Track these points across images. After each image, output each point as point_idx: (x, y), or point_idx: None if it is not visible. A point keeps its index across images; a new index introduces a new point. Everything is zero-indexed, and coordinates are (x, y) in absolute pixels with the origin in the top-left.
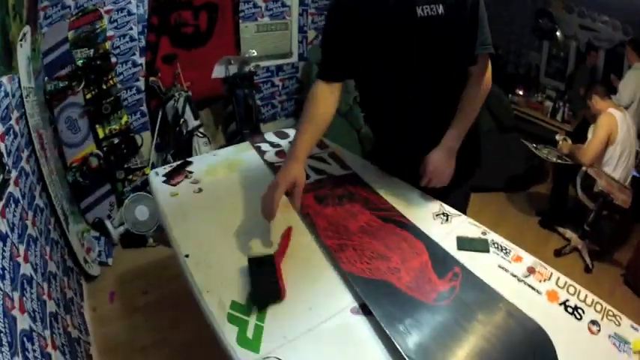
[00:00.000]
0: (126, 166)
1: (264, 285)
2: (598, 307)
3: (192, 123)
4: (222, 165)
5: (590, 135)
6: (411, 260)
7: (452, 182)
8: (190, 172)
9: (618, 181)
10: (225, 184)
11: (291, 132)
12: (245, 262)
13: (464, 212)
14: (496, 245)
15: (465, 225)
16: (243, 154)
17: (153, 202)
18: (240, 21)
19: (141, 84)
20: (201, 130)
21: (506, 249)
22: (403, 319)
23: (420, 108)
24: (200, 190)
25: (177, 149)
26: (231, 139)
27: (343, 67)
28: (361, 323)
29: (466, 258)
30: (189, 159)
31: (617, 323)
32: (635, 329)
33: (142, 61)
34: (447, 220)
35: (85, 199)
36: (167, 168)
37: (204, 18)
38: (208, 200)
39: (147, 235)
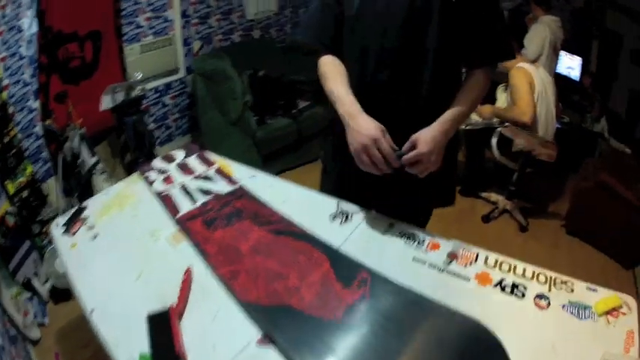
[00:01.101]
0: (39, 218)
1: (161, 350)
2: (541, 278)
3: (90, 161)
4: (113, 203)
5: (499, 95)
6: (311, 274)
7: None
8: (85, 218)
9: (538, 137)
10: (119, 225)
11: (178, 153)
12: (148, 308)
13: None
14: (406, 236)
15: (369, 220)
16: (133, 186)
17: None
18: (125, 44)
19: (39, 129)
20: (98, 166)
21: (418, 238)
22: (312, 345)
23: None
24: (96, 236)
25: (81, 191)
26: (130, 170)
27: (332, 32)
28: (270, 354)
29: (374, 257)
30: (84, 203)
31: (569, 290)
32: (593, 290)
33: (36, 105)
34: (346, 218)
35: (12, 260)
36: (66, 217)
37: (90, 48)
38: (105, 246)
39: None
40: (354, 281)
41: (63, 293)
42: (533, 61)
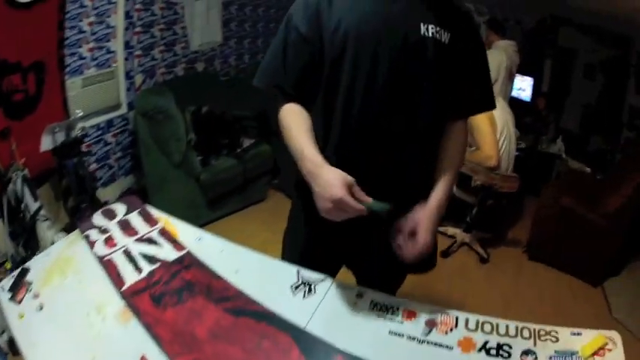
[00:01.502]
0: None
1: None
2: (525, 333)
3: (33, 206)
4: (55, 269)
5: None
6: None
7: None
8: (30, 283)
9: (498, 173)
10: (63, 296)
11: (119, 208)
12: None
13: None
14: (378, 306)
15: (335, 291)
16: (74, 247)
17: None
18: (67, 77)
19: None
20: (42, 212)
21: (391, 307)
22: None
23: (386, 147)
24: (41, 306)
25: (27, 238)
26: (73, 214)
27: (301, 79)
28: None
29: (347, 336)
30: (26, 265)
31: (553, 339)
32: (577, 334)
33: None
34: (309, 290)
35: None
36: (10, 279)
37: (33, 80)
38: (52, 320)
39: None
40: None
41: None
42: None
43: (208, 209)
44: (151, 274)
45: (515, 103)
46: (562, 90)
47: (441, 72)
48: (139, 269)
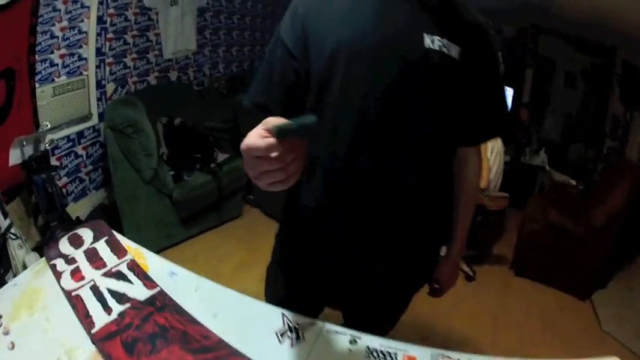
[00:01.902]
0: None
1: None
2: None
3: (3, 224)
4: (23, 301)
5: None
6: None
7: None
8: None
9: (488, 194)
10: (33, 335)
11: (86, 234)
12: None
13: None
14: (375, 353)
15: (325, 337)
16: (41, 279)
17: None
18: (37, 85)
19: None
20: (12, 230)
21: (389, 353)
22: None
23: (388, 186)
24: (13, 345)
25: None
26: (44, 234)
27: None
28: None
29: None
30: None
31: None
32: None
33: None
34: (297, 337)
35: None
36: None
37: (3, 89)
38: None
39: None
40: None
41: None
42: None
43: (181, 227)
44: (122, 315)
45: None
46: (543, 99)
47: (450, 92)
48: (108, 308)
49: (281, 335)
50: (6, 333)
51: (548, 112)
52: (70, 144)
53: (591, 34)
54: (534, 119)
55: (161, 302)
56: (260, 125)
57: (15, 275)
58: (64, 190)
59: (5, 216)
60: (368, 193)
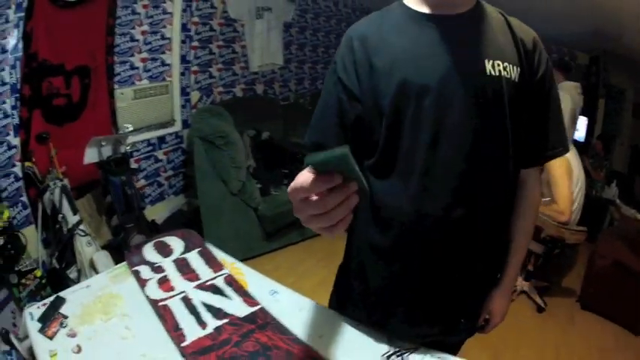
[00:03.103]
0: (17, 268)
1: None
2: None
3: (72, 219)
4: (97, 307)
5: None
6: None
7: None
8: (65, 317)
9: (569, 228)
10: (106, 342)
11: (176, 244)
12: None
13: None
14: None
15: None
16: (121, 285)
17: None
18: (116, 86)
19: (18, 170)
20: (81, 227)
21: None
22: None
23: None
24: (79, 349)
25: (61, 250)
26: (116, 234)
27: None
28: None
29: None
30: (61, 294)
31: None
32: None
33: (17, 142)
34: None
35: None
36: (41, 307)
37: (77, 86)
38: None
39: None
40: None
41: None
42: None
43: (264, 241)
44: (219, 330)
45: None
46: (613, 130)
47: (514, 115)
48: (202, 323)
49: (387, 358)
50: (71, 335)
51: (617, 143)
52: (151, 148)
53: None
54: (608, 151)
55: (263, 320)
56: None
57: (79, 271)
58: (141, 193)
59: (75, 212)
60: (448, 243)
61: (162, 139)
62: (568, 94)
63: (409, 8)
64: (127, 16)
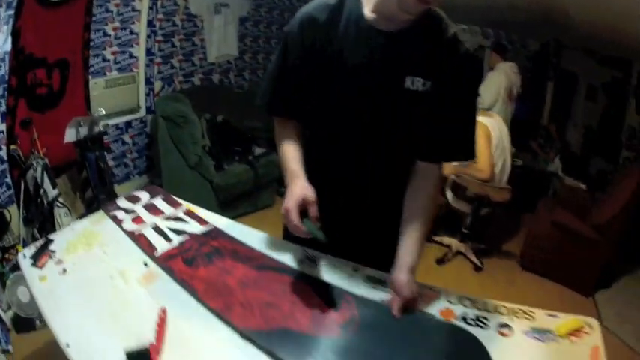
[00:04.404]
0: (0, 244)
1: None
2: (503, 310)
3: (52, 193)
4: (80, 240)
5: None
6: (301, 301)
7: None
8: (53, 251)
9: (491, 185)
10: (87, 263)
11: (142, 195)
12: (124, 345)
13: None
14: (372, 279)
15: (334, 264)
16: (100, 225)
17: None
18: (90, 77)
19: (3, 153)
20: (60, 199)
21: (383, 281)
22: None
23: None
24: (65, 270)
25: (42, 222)
26: (90, 206)
27: (289, 105)
28: None
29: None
30: (50, 236)
31: (530, 318)
32: (554, 316)
33: (3, 127)
34: (314, 263)
35: None
36: (32, 248)
37: (57, 77)
38: (75, 282)
39: (34, 317)
40: (341, 304)
41: (26, 323)
42: (488, 109)
43: (219, 210)
44: (182, 243)
45: (523, 125)
46: (564, 112)
47: (419, 117)
48: (169, 240)
49: (300, 262)
50: (59, 262)
51: (570, 125)
52: (119, 132)
53: (609, 48)
54: (559, 131)
55: (215, 233)
56: (295, 197)
57: None
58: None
59: (54, 186)
60: (357, 174)
61: (128, 124)
62: (504, 72)
63: (362, 16)
64: (101, 14)
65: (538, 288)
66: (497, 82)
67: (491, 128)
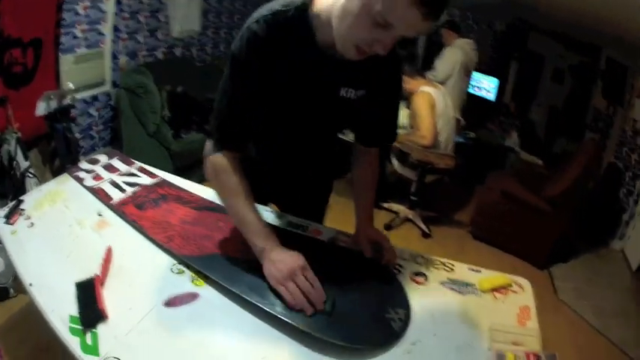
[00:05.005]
0: None
1: (88, 309)
2: (420, 260)
3: (24, 164)
4: (46, 198)
5: (402, 119)
6: (231, 233)
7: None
8: (23, 210)
9: (434, 152)
10: (52, 216)
11: (101, 157)
12: (76, 279)
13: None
14: (292, 224)
15: (263, 210)
16: (64, 185)
17: (5, 252)
18: (60, 54)
19: None
20: (31, 170)
21: (302, 225)
22: (241, 279)
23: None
24: (32, 224)
25: (15, 194)
26: (57, 175)
27: (245, 133)
28: (171, 313)
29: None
30: (21, 197)
31: (448, 269)
32: (477, 271)
33: None
34: None
35: None
36: (6, 209)
37: (31, 55)
38: (40, 232)
39: (7, 286)
40: None
41: (0, 292)
42: (441, 83)
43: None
44: (134, 192)
45: (480, 102)
46: (529, 92)
47: (352, 114)
48: (123, 191)
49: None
50: (27, 218)
51: (534, 104)
52: (85, 105)
53: (577, 32)
54: (520, 111)
55: (162, 183)
56: (301, 269)
57: None
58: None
59: (26, 158)
60: (299, 152)
61: (95, 98)
62: (460, 49)
63: (313, 42)
64: None
65: (489, 258)
66: (453, 58)
67: (436, 97)
